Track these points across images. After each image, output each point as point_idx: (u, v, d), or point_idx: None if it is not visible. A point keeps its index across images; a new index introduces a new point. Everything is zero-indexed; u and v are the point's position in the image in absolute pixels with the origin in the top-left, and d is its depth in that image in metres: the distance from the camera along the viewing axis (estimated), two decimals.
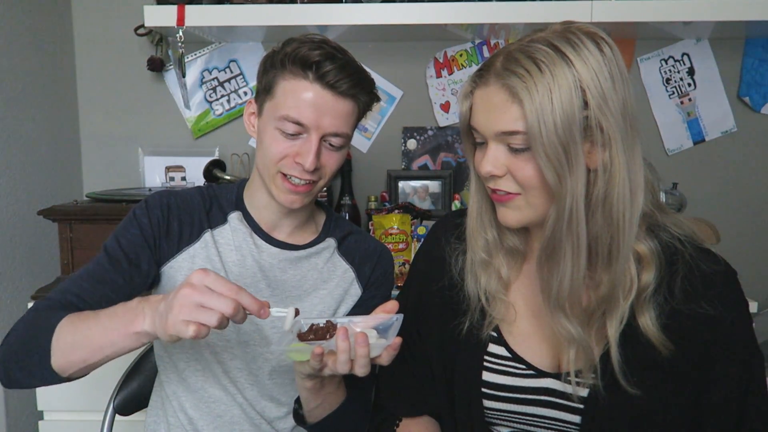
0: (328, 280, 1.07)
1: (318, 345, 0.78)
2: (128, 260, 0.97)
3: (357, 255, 1.10)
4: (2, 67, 1.57)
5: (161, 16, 1.63)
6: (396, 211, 1.67)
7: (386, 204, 1.86)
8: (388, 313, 0.84)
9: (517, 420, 0.92)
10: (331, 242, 1.10)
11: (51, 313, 0.87)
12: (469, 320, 0.92)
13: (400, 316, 0.83)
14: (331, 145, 0.97)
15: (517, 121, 0.77)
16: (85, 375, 0.87)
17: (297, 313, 0.81)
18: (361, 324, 0.83)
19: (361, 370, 0.80)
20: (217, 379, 1.02)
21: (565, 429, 0.89)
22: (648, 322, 0.82)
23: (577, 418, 0.86)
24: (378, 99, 1.03)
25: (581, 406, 0.86)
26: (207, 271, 0.75)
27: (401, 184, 1.93)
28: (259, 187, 1.04)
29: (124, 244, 0.98)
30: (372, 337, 0.80)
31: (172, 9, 1.61)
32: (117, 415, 1.18)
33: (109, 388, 1.19)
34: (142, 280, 0.99)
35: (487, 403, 0.91)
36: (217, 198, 1.07)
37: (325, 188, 1.78)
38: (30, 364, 0.85)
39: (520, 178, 0.81)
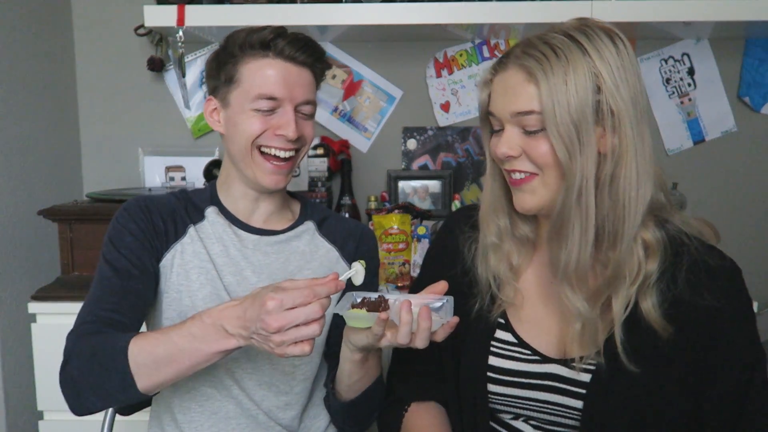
0: (311, 260, 1.09)
1: (384, 313, 0.81)
2: (136, 267, 0.99)
3: (338, 235, 1.13)
4: (2, 68, 1.57)
5: (161, 16, 1.62)
6: (396, 211, 1.67)
7: (386, 204, 1.86)
8: (437, 293, 0.87)
9: (520, 405, 0.93)
10: (310, 225, 1.13)
11: (108, 337, 0.88)
12: (479, 303, 0.96)
13: (451, 298, 0.87)
14: (303, 114, 1.03)
15: (532, 101, 0.81)
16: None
17: (363, 264, 0.86)
18: (413, 301, 0.84)
19: (421, 343, 0.82)
20: (211, 373, 1.01)
21: (566, 414, 0.90)
22: (650, 306, 0.85)
23: (579, 403, 0.88)
24: (329, 66, 1.11)
25: (583, 391, 0.88)
26: (271, 297, 0.74)
27: (401, 184, 1.93)
28: (234, 179, 1.07)
29: (127, 253, 0.99)
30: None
31: (172, 9, 1.61)
32: (117, 415, 1.18)
33: None
34: (153, 281, 1.02)
35: (491, 387, 0.94)
36: (191, 198, 1.09)
37: (324, 187, 1.79)
38: (110, 390, 0.86)
39: (534, 157, 0.84)
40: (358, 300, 0.86)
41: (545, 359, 0.91)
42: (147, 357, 0.84)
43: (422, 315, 0.80)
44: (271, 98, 0.99)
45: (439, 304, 0.86)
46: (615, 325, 0.85)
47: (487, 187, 0.95)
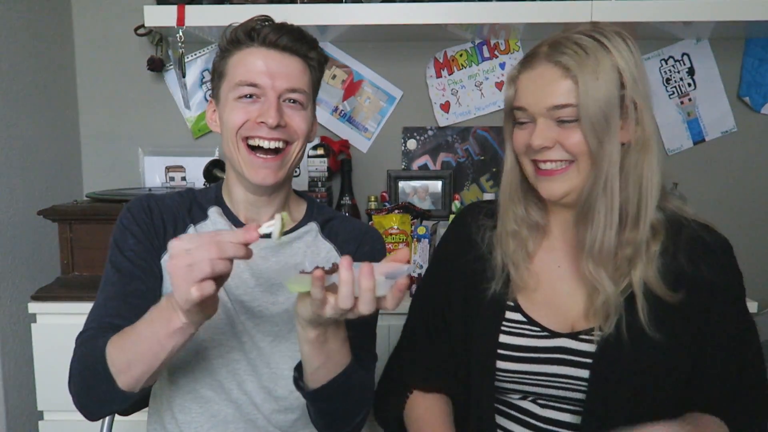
0: (312, 263, 1.05)
1: (318, 270, 0.73)
2: (140, 268, 0.99)
3: (340, 235, 1.10)
4: (2, 67, 1.57)
5: (161, 16, 1.63)
6: (396, 211, 1.67)
7: (386, 204, 1.86)
8: (398, 262, 0.78)
9: (527, 381, 0.97)
10: (313, 226, 1.09)
11: (96, 342, 0.89)
12: (493, 286, 1.00)
13: (411, 267, 0.83)
14: (292, 102, 0.99)
15: (569, 95, 0.89)
16: (156, 380, 0.89)
17: (285, 217, 0.79)
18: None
19: (365, 307, 0.74)
20: (211, 375, 1.01)
21: (573, 386, 0.94)
22: (652, 278, 0.92)
23: (585, 373, 0.93)
24: (326, 59, 1.07)
25: (590, 360, 0.93)
26: (180, 237, 0.75)
27: (401, 184, 1.93)
28: (233, 182, 1.05)
29: (130, 255, 0.99)
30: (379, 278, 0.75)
31: (172, 9, 1.61)
32: (117, 415, 1.18)
33: None
34: (159, 282, 1.01)
35: (500, 364, 0.97)
36: (196, 198, 1.08)
37: (324, 187, 1.79)
38: (102, 394, 0.87)
39: (568, 146, 0.90)
40: (310, 268, 0.77)
41: (553, 334, 0.96)
42: (119, 353, 0.85)
43: (363, 273, 0.73)
44: (252, 84, 0.96)
45: (399, 271, 0.77)
46: (637, 298, 0.91)
47: (507, 179, 1.01)
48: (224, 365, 1.01)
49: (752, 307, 1.46)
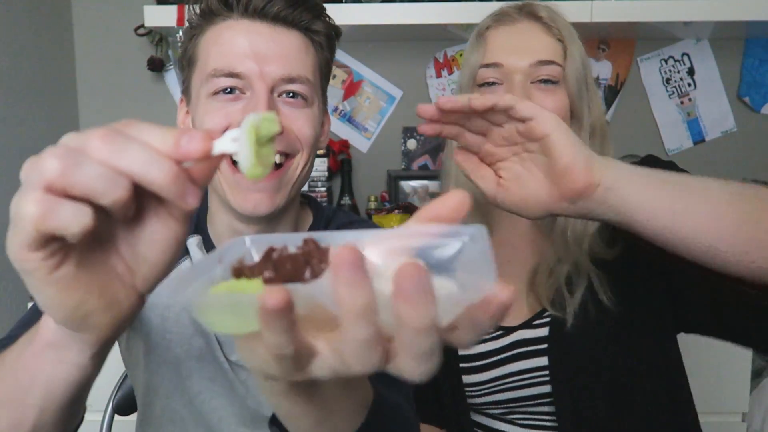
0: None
1: (277, 290, 0.29)
2: None
3: None
4: (2, 67, 1.57)
5: (161, 16, 1.63)
6: (396, 211, 1.67)
7: (386, 204, 1.86)
8: (443, 218, 0.34)
9: (494, 389, 0.91)
10: None
11: None
12: None
13: (482, 229, 0.33)
14: (290, 96, 0.71)
15: (554, 52, 0.84)
16: None
17: (269, 119, 0.38)
18: (384, 244, 0.33)
19: (417, 364, 0.32)
20: (208, 426, 0.82)
21: (536, 380, 0.88)
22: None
23: (544, 360, 0.86)
24: (339, 33, 0.79)
25: (545, 345, 0.86)
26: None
27: (401, 184, 1.92)
28: (218, 207, 0.77)
29: None
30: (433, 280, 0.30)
31: (172, 9, 1.61)
32: (116, 415, 1.18)
33: (108, 387, 1.19)
34: None
35: (466, 378, 0.92)
36: None
37: (324, 188, 1.78)
38: None
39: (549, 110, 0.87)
40: (256, 256, 0.35)
41: (508, 330, 0.91)
42: None
43: (402, 280, 0.28)
44: (232, 74, 0.68)
45: (452, 246, 0.34)
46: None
47: (452, 167, 0.93)
48: (223, 418, 0.81)
49: None
